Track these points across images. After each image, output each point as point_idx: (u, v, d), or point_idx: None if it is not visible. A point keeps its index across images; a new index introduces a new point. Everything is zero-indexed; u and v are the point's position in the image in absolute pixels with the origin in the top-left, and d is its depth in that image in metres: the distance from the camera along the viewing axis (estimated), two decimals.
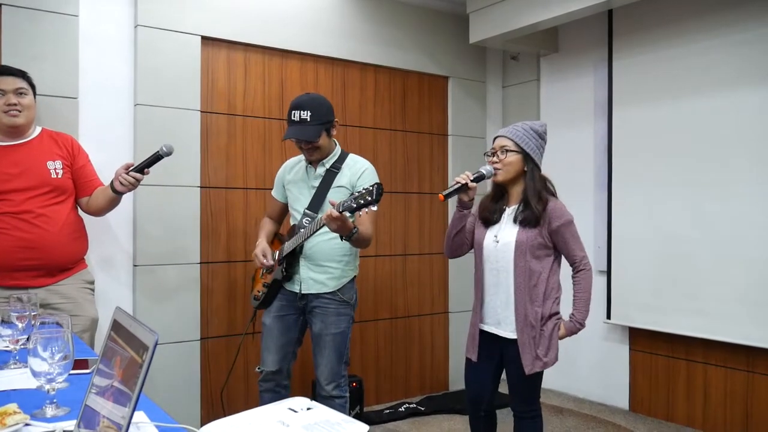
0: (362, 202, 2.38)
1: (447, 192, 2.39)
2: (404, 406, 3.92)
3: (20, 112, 2.53)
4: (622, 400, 3.92)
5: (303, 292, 2.75)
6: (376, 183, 2.38)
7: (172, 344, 3.24)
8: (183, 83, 3.30)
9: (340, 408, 2.76)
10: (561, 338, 2.45)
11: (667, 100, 3.61)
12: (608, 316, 3.90)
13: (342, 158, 2.78)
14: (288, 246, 2.74)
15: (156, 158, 2.56)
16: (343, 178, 2.73)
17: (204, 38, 3.37)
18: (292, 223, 2.84)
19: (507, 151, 2.43)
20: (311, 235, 2.62)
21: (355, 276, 2.83)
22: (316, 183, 2.75)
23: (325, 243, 2.71)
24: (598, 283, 3.99)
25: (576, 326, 2.45)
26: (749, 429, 3.31)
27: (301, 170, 2.84)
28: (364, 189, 2.41)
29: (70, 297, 2.60)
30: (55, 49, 2.95)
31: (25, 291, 2.33)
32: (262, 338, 2.87)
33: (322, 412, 1.18)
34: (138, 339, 1.06)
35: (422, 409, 3.90)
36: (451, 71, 4.35)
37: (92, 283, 2.76)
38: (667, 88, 3.61)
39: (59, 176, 2.60)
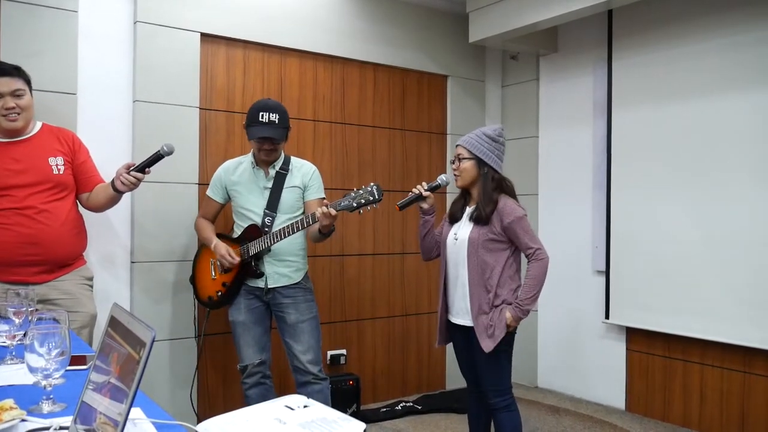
0: (363, 201, 2.52)
1: (402, 202, 2.60)
2: (401, 404, 3.92)
3: (18, 114, 2.52)
4: (618, 400, 3.92)
5: (270, 286, 2.86)
6: (375, 184, 2.53)
7: (169, 341, 3.24)
8: (182, 80, 3.29)
9: (327, 390, 2.90)
10: (508, 323, 2.55)
11: (667, 101, 3.61)
12: (606, 316, 3.90)
13: (287, 161, 2.93)
14: (262, 243, 2.80)
15: (157, 158, 2.59)
16: (294, 179, 2.89)
17: (203, 35, 3.37)
18: (242, 223, 2.92)
19: (462, 159, 2.66)
20: (299, 230, 2.73)
21: (308, 268, 3.01)
22: (269, 184, 2.87)
23: (287, 239, 2.81)
24: (597, 283, 4.01)
25: (517, 307, 2.55)
26: (745, 430, 3.31)
27: (246, 172, 2.93)
28: (362, 189, 2.53)
29: (69, 293, 2.60)
30: (54, 45, 2.94)
31: (24, 286, 2.33)
32: (237, 336, 2.93)
33: (319, 409, 1.18)
34: (135, 335, 1.06)
35: (419, 407, 3.90)
36: (451, 70, 4.35)
37: (91, 279, 2.77)
38: (666, 89, 3.61)
39: (61, 172, 2.60)
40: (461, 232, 2.67)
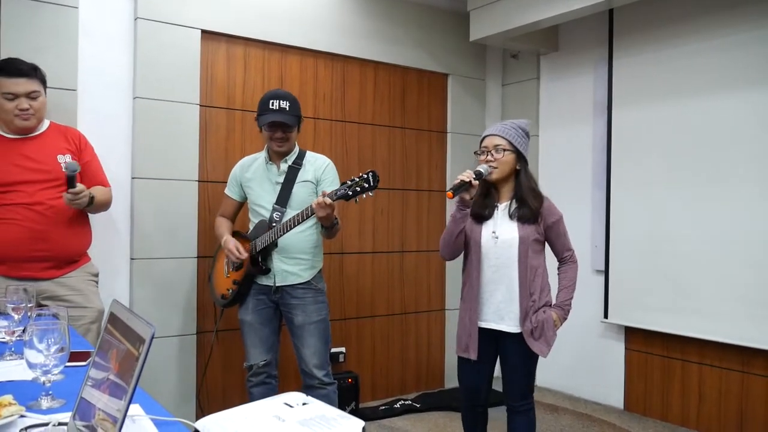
0: (358, 189, 2.44)
1: (453, 189, 2.37)
2: (400, 402, 3.93)
3: (32, 115, 2.55)
4: (617, 400, 3.93)
5: (278, 284, 2.80)
6: (371, 171, 2.45)
7: (168, 338, 3.25)
8: (182, 77, 3.29)
9: (334, 395, 2.84)
10: (557, 326, 2.51)
11: (667, 100, 3.61)
12: (605, 315, 3.90)
13: (302, 155, 2.87)
14: (267, 238, 2.75)
15: (68, 179, 2.45)
16: (307, 174, 2.83)
17: (204, 32, 3.36)
18: (254, 220, 2.88)
19: (503, 150, 2.47)
20: (299, 223, 2.65)
21: (322, 267, 2.91)
22: (280, 179, 2.82)
23: (297, 235, 2.76)
24: (596, 282, 4.01)
25: (565, 310, 2.53)
26: (743, 429, 3.32)
27: (260, 168, 2.89)
28: (357, 177, 2.45)
29: (77, 289, 2.63)
30: (54, 41, 2.94)
31: (33, 282, 2.38)
32: (244, 335, 2.91)
33: (317, 407, 1.18)
34: (135, 332, 1.06)
35: (417, 405, 3.90)
36: (451, 69, 4.34)
37: (96, 275, 2.80)
38: (667, 88, 3.61)
39: None
40: (502, 230, 2.48)
